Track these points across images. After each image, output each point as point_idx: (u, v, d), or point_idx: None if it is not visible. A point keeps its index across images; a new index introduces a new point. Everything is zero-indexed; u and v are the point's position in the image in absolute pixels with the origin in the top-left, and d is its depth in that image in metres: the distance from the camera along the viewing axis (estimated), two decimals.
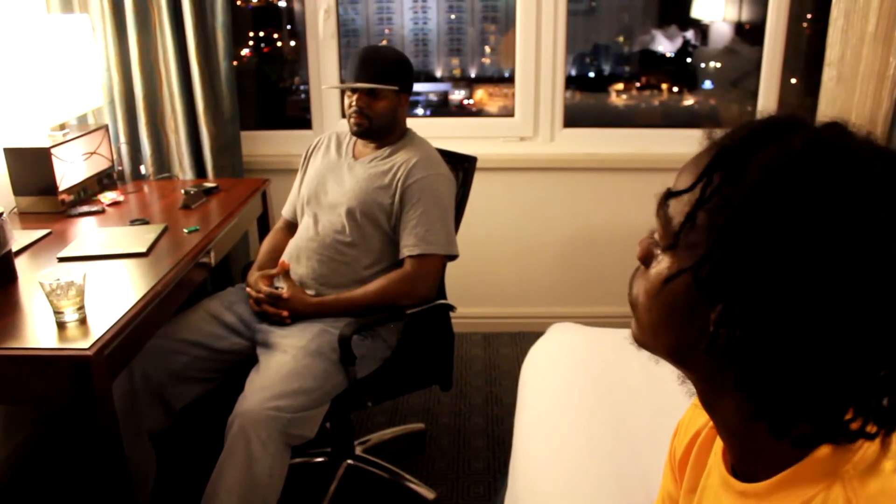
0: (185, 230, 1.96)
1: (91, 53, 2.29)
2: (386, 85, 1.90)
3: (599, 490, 1.35)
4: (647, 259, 0.66)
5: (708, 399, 0.67)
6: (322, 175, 2.02)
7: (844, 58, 2.52)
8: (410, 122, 2.05)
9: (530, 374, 1.83)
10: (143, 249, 1.80)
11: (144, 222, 2.03)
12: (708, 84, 3.21)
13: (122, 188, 2.39)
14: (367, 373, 1.87)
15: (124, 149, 2.60)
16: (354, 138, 2.04)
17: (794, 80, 2.93)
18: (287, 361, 1.72)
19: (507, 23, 3.05)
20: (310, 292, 1.91)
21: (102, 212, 2.15)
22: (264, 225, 2.49)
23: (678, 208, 0.62)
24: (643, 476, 1.33)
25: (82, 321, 1.42)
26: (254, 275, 1.97)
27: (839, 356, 0.55)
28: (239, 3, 3.04)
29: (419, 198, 1.88)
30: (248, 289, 1.95)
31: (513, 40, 2.87)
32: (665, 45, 3.14)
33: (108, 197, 2.23)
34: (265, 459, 1.61)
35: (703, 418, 0.79)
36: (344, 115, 2.06)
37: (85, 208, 2.13)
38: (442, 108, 3.32)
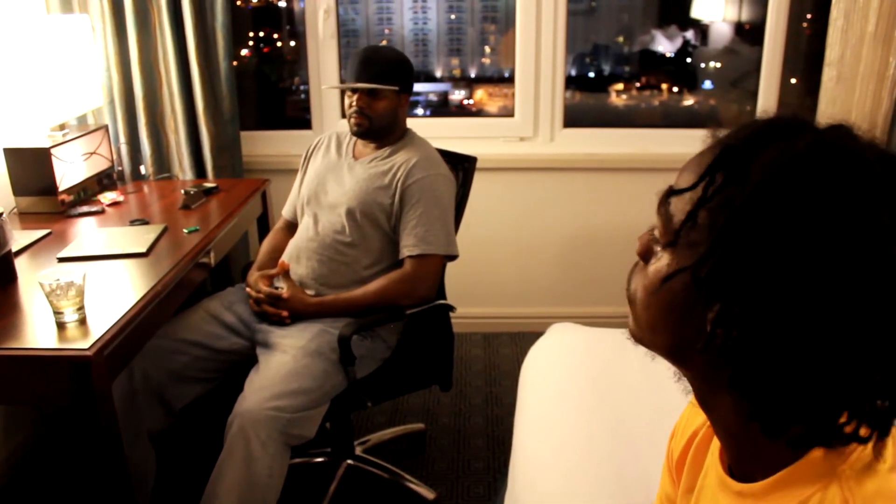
0: (185, 230, 1.96)
1: (91, 54, 2.29)
2: (386, 85, 1.90)
3: (599, 490, 1.35)
4: (646, 255, 0.66)
5: (704, 398, 0.67)
6: (322, 175, 2.02)
7: (844, 58, 2.52)
8: (410, 122, 2.05)
9: (530, 374, 1.83)
10: (143, 249, 1.80)
11: (144, 222, 2.03)
12: (708, 84, 3.21)
13: (122, 188, 2.39)
14: (367, 373, 1.87)
15: (124, 149, 2.60)
16: (354, 138, 2.04)
17: (793, 80, 2.93)
18: (287, 361, 1.72)
19: (506, 23, 3.05)
20: (310, 292, 1.91)
21: (102, 212, 2.15)
22: (264, 225, 2.49)
23: (679, 206, 0.62)
24: (643, 476, 1.33)
25: (82, 321, 1.42)
26: (253, 275, 1.97)
27: (836, 359, 0.55)
28: (239, 3, 3.04)
29: (419, 198, 1.88)
30: (247, 289, 1.95)
31: (513, 40, 2.87)
32: (665, 45, 3.14)
33: (107, 197, 2.23)
34: (265, 459, 1.61)
35: (700, 418, 0.79)
36: (344, 115, 2.07)
37: (85, 208, 2.13)
38: (442, 108, 3.32)
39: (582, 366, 1.78)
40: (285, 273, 1.90)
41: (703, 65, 3.18)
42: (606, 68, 3.23)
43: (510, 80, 2.96)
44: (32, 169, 2.08)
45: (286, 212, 2.16)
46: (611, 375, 1.71)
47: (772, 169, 0.56)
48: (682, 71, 3.19)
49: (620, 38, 3.23)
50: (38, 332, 1.43)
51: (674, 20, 3.11)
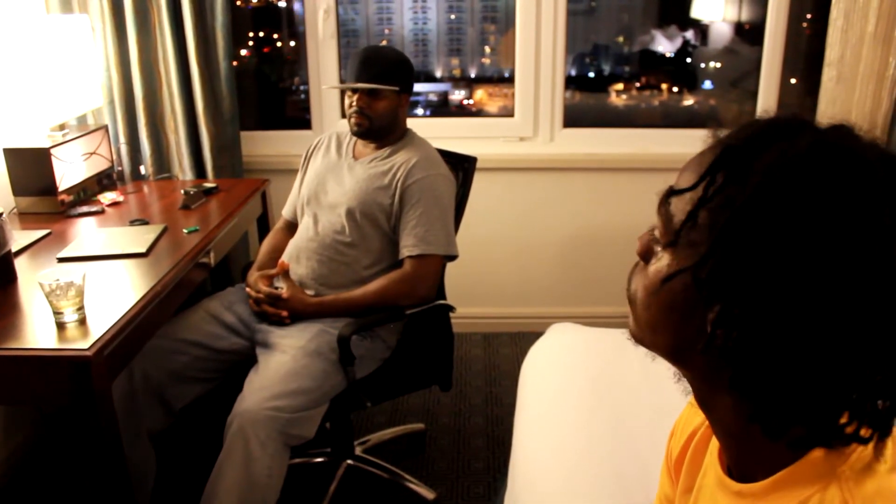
0: (185, 230, 1.96)
1: (90, 54, 2.29)
2: (386, 85, 1.90)
3: (599, 490, 1.35)
4: (646, 255, 0.66)
5: (704, 398, 0.67)
6: (322, 175, 2.02)
7: (844, 58, 2.52)
8: (410, 123, 2.05)
9: (530, 374, 1.83)
10: (143, 250, 1.80)
11: (144, 222, 2.03)
12: (708, 84, 3.21)
13: (122, 188, 2.39)
14: (367, 373, 1.87)
15: (124, 149, 2.60)
16: (354, 138, 2.04)
17: (793, 80, 2.93)
18: (286, 361, 1.72)
19: (506, 23, 3.05)
20: (309, 292, 1.91)
21: (102, 212, 2.15)
22: (264, 225, 2.49)
23: (680, 206, 0.62)
24: (643, 476, 1.33)
25: (82, 321, 1.42)
26: (253, 275, 1.97)
27: (836, 360, 0.55)
28: (239, 3, 3.04)
29: (419, 198, 1.88)
30: (247, 289, 1.95)
31: (512, 40, 2.87)
32: (665, 45, 3.14)
33: (107, 197, 2.23)
34: (264, 459, 1.61)
35: (698, 418, 0.79)
36: (344, 116, 2.07)
37: (84, 209, 2.13)
38: (442, 108, 3.32)
39: (582, 366, 1.78)
40: (285, 273, 1.90)
41: (703, 65, 3.18)
42: (606, 68, 3.23)
43: (510, 80, 2.96)
44: (32, 169, 2.08)
45: (286, 212, 2.16)
46: (611, 375, 1.71)
47: (772, 169, 0.56)
48: (681, 71, 3.19)
49: (620, 38, 3.23)
50: (37, 332, 1.43)
51: (674, 20, 3.11)
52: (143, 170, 2.66)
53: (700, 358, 0.61)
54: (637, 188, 2.84)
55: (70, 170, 2.15)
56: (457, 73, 3.27)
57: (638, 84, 3.28)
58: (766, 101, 2.84)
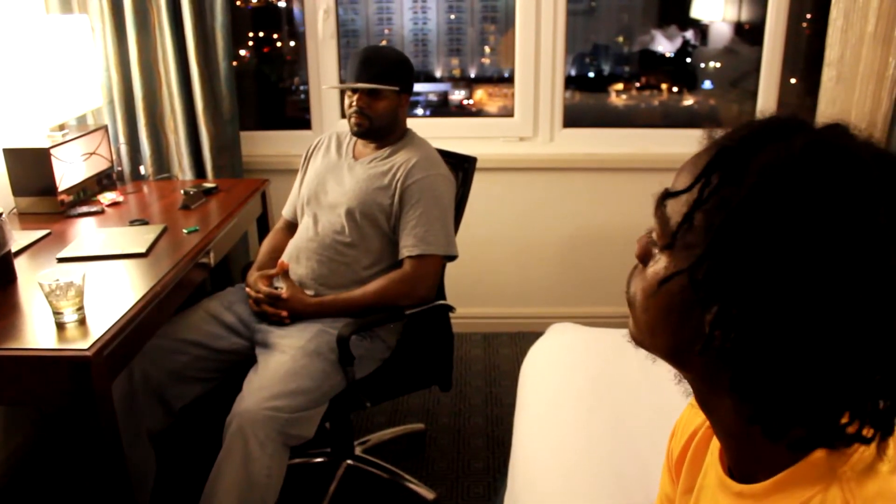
0: (185, 230, 1.96)
1: (90, 54, 2.29)
2: (387, 85, 1.90)
3: (599, 490, 1.35)
4: (645, 257, 0.66)
5: (704, 399, 0.67)
6: (322, 175, 2.02)
7: (844, 58, 2.52)
8: (410, 122, 2.05)
9: (530, 374, 1.83)
10: (143, 250, 1.80)
11: (144, 223, 2.03)
12: (708, 84, 3.21)
13: (122, 188, 2.39)
14: (366, 373, 1.87)
15: (124, 149, 2.60)
16: (355, 138, 2.04)
17: (793, 80, 2.93)
18: (285, 361, 1.72)
19: (506, 23, 3.05)
20: (309, 292, 1.91)
21: (102, 212, 2.15)
22: (264, 225, 2.49)
23: (676, 208, 0.62)
24: (643, 476, 1.33)
25: (82, 322, 1.42)
26: (253, 275, 1.97)
27: (835, 360, 0.55)
28: (238, 3, 3.04)
29: (418, 198, 1.88)
30: (247, 289, 1.95)
31: (512, 40, 2.87)
32: (665, 45, 3.14)
33: (107, 197, 2.23)
34: (263, 459, 1.61)
35: (699, 418, 0.79)
36: (344, 116, 2.07)
37: (84, 209, 2.13)
38: (442, 108, 3.32)
39: (582, 366, 1.78)
40: (285, 273, 1.90)
41: (702, 65, 3.18)
42: (606, 68, 3.23)
43: (510, 80, 2.96)
44: (32, 169, 2.08)
45: (286, 212, 2.16)
46: (611, 375, 1.71)
47: (767, 169, 0.56)
48: (681, 71, 3.19)
49: (620, 38, 3.23)
50: (37, 332, 1.43)
51: (674, 20, 3.11)
52: (142, 170, 2.66)
53: (699, 359, 0.61)
54: (637, 188, 2.82)
55: (70, 170, 2.15)
56: (457, 73, 3.27)
57: (638, 84, 3.28)
58: (766, 101, 2.84)
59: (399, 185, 1.90)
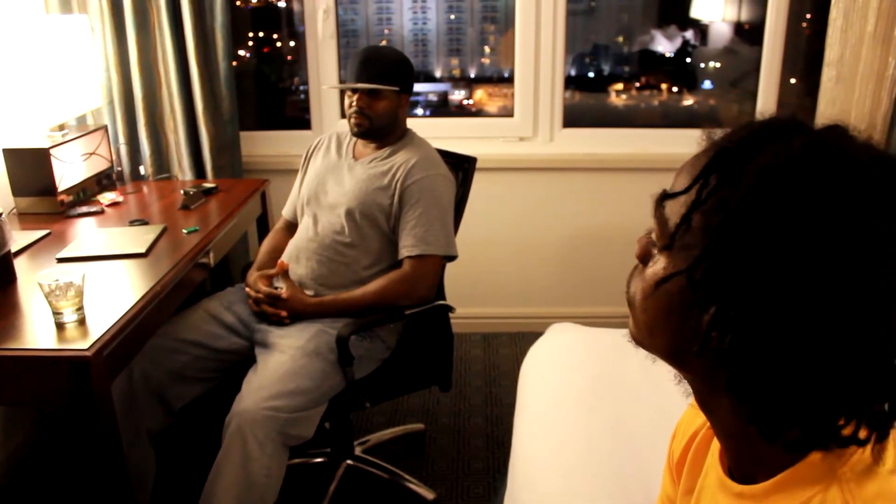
0: (185, 231, 1.96)
1: (90, 54, 2.29)
2: (387, 85, 1.90)
3: (599, 490, 1.35)
4: (644, 258, 0.66)
5: (704, 400, 0.67)
6: (322, 175, 2.02)
7: (844, 58, 2.52)
8: (410, 123, 2.05)
9: (530, 374, 1.83)
10: (143, 250, 1.80)
11: (144, 223, 2.03)
12: (707, 84, 3.21)
13: (122, 189, 2.39)
14: (366, 373, 1.87)
15: (123, 149, 2.60)
16: (355, 139, 2.04)
17: (793, 81, 2.93)
18: (285, 361, 1.72)
19: (506, 23, 3.05)
20: (309, 293, 1.91)
21: (102, 212, 2.15)
22: (263, 225, 2.49)
23: (674, 209, 0.62)
24: (643, 476, 1.33)
25: (81, 322, 1.42)
26: (253, 275, 1.97)
27: (831, 362, 0.55)
28: (238, 3, 3.04)
29: (418, 198, 1.88)
30: (247, 289, 1.95)
31: (512, 40, 2.87)
32: (664, 45, 3.14)
33: (107, 197, 2.23)
34: (262, 459, 1.61)
35: (700, 419, 0.79)
36: (344, 116, 2.07)
37: (84, 209, 2.13)
38: (441, 108, 3.32)
39: (582, 366, 1.78)
40: (284, 273, 1.90)
41: (702, 65, 3.18)
42: (606, 68, 3.23)
43: (510, 81, 2.96)
44: (32, 169, 2.08)
45: (286, 212, 2.16)
46: (611, 375, 1.71)
47: (765, 171, 0.56)
48: (681, 71, 3.19)
49: (620, 38, 3.23)
50: (37, 332, 1.43)
51: (673, 20, 3.11)
52: (142, 170, 2.66)
53: (698, 360, 0.61)
54: (637, 188, 2.83)
55: (69, 170, 2.15)
56: (456, 73, 3.27)
57: (638, 84, 3.28)
58: (766, 101, 2.84)
59: (399, 185, 1.90)
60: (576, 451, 1.47)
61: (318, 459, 2.18)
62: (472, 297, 2.97)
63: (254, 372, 1.74)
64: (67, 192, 2.14)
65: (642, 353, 0.70)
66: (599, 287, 3.04)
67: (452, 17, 3.15)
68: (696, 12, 3.10)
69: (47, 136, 2.15)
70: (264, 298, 1.89)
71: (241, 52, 3.12)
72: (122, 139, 2.60)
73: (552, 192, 2.96)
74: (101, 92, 2.50)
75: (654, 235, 0.65)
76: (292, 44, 3.13)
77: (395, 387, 1.98)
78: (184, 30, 2.52)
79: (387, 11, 3.10)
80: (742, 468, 0.66)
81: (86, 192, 2.23)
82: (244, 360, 1.84)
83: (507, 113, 3.01)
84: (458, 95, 3.30)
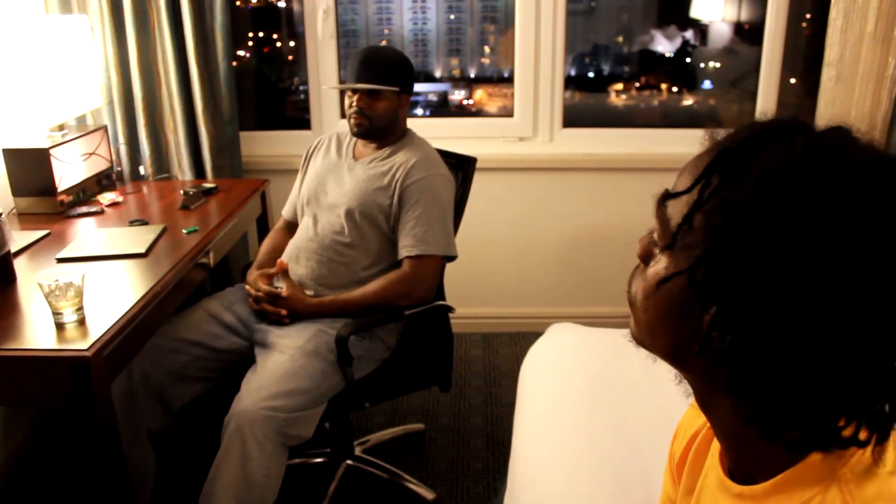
0: (184, 231, 1.96)
1: (90, 54, 2.29)
2: (387, 86, 1.90)
3: (599, 490, 1.35)
4: (646, 257, 0.66)
5: (704, 400, 0.67)
6: (322, 176, 2.02)
7: (843, 58, 2.52)
8: (410, 123, 2.05)
9: (530, 374, 1.83)
10: (142, 250, 1.80)
11: (143, 223, 2.03)
12: (707, 84, 3.21)
13: (121, 189, 2.39)
14: (365, 373, 1.87)
15: (123, 149, 2.60)
16: (355, 139, 2.04)
17: (793, 80, 2.93)
18: (284, 361, 1.72)
19: (506, 23, 3.05)
20: (309, 293, 1.91)
21: (101, 212, 2.14)
22: (263, 225, 2.49)
23: (676, 209, 0.62)
24: (643, 476, 1.33)
25: (81, 322, 1.42)
26: (253, 274, 1.97)
27: (831, 363, 0.55)
28: (238, 3, 3.03)
29: (418, 198, 1.88)
30: (247, 287, 1.95)
31: (512, 40, 2.87)
32: (664, 45, 3.14)
33: (107, 197, 2.23)
34: (261, 459, 1.61)
35: (700, 420, 0.79)
36: (344, 116, 2.07)
37: (84, 209, 2.13)
38: (441, 108, 3.32)
39: (582, 366, 1.78)
40: (284, 272, 1.90)
41: (702, 65, 3.18)
42: (606, 68, 3.23)
43: (509, 81, 2.96)
44: (31, 169, 2.08)
45: (286, 212, 2.16)
46: (611, 375, 1.71)
47: (767, 171, 0.56)
48: (681, 71, 3.19)
49: (620, 38, 3.23)
50: (37, 332, 1.43)
51: (673, 20, 3.11)
52: (142, 170, 2.66)
53: (699, 360, 0.61)
54: (637, 188, 2.84)
55: (69, 170, 2.15)
56: (456, 73, 3.27)
57: (637, 84, 3.28)
58: (766, 101, 2.84)
59: (398, 185, 1.90)
60: (576, 451, 1.47)
61: (318, 459, 2.18)
62: (472, 297, 2.97)
63: (253, 372, 1.74)
64: (67, 192, 2.14)
65: (642, 353, 0.70)
66: (599, 287, 3.04)
67: (452, 17, 3.15)
68: (695, 12, 3.10)
69: (47, 136, 2.15)
70: (264, 297, 1.89)
71: (241, 52, 3.12)
72: (121, 139, 2.60)
73: (552, 192, 2.96)
74: (101, 92, 2.50)
75: (655, 235, 0.66)
76: (292, 44, 3.13)
77: (394, 387, 1.98)
78: (183, 30, 2.52)
79: (387, 11, 3.10)
80: (742, 469, 0.66)
81: (86, 193, 2.23)
82: (244, 360, 1.84)
83: (507, 113, 3.01)
84: (458, 95, 3.30)
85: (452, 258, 1.96)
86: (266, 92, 3.28)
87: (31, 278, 1.63)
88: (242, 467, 1.60)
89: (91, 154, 2.27)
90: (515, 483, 1.47)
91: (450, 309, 1.97)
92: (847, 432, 0.57)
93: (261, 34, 3.16)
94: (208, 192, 2.30)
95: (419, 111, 3.26)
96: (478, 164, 2.09)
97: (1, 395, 1.49)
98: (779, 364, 0.56)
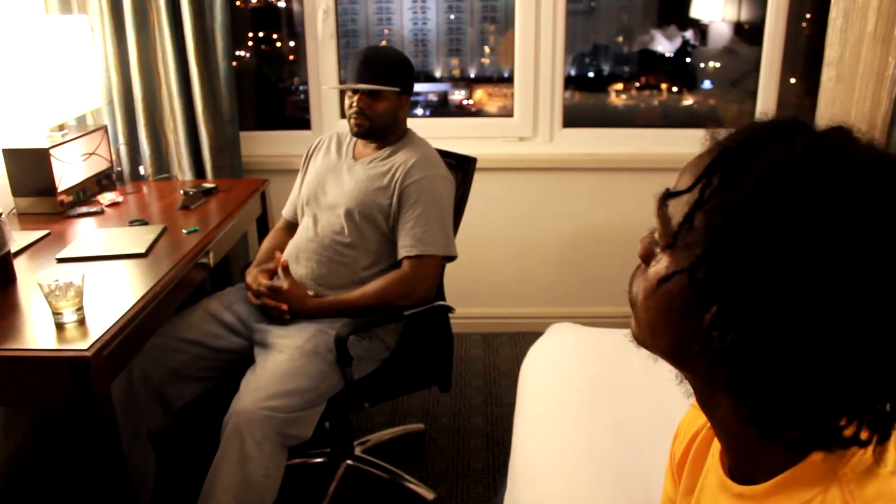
0: (184, 231, 1.96)
1: (90, 54, 2.29)
2: (387, 86, 1.90)
3: (599, 490, 1.35)
4: (647, 257, 0.66)
5: (705, 400, 0.67)
6: (322, 176, 2.02)
7: (843, 58, 2.52)
8: (410, 123, 2.05)
9: (530, 374, 1.83)
10: (142, 250, 1.80)
11: (143, 223, 2.03)
12: (707, 84, 3.21)
13: (121, 189, 2.38)
14: (365, 374, 1.87)
15: (123, 149, 2.60)
16: (355, 139, 2.04)
17: (793, 80, 2.93)
18: (283, 361, 1.72)
19: (506, 23, 3.05)
20: (308, 293, 1.91)
21: (101, 212, 2.14)
22: (263, 225, 2.49)
23: (677, 208, 0.62)
24: (643, 476, 1.33)
25: (81, 322, 1.42)
26: (253, 271, 1.97)
27: (832, 363, 0.55)
28: (238, 3, 3.03)
29: (417, 198, 1.88)
30: (247, 280, 1.95)
31: (512, 40, 2.87)
32: (664, 45, 3.14)
33: (107, 198, 2.23)
34: (260, 459, 1.61)
35: (701, 420, 0.79)
36: (344, 116, 2.06)
37: (84, 209, 2.13)
38: (441, 108, 3.32)
39: (582, 366, 1.78)
40: (285, 269, 1.90)
41: (702, 65, 3.18)
42: (606, 68, 3.23)
43: (509, 81, 2.96)
44: (31, 169, 2.08)
45: (286, 212, 2.16)
46: (611, 375, 1.71)
47: (768, 171, 0.56)
48: (681, 71, 3.19)
49: (620, 38, 3.23)
50: (37, 332, 1.43)
51: (673, 20, 3.11)
52: (142, 170, 2.66)
53: (699, 359, 0.61)
54: (637, 188, 2.84)
55: (69, 170, 2.15)
56: (456, 73, 3.27)
57: (637, 84, 3.28)
58: (766, 101, 2.84)
59: (398, 185, 1.90)
60: (576, 451, 1.47)
61: (318, 459, 2.18)
62: (472, 297, 2.97)
63: (252, 372, 1.74)
64: (67, 192, 2.14)
65: (643, 353, 0.70)
66: (599, 287, 3.04)
67: (452, 17, 3.15)
68: (695, 12, 3.10)
69: (47, 136, 2.15)
70: (265, 291, 1.88)
71: (241, 52, 3.12)
72: (121, 139, 2.60)
73: (552, 192, 2.96)
74: (101, 92, 2.50)
75: (656, 235, 0.66)
76: (292, 44, 3.13)
77: (394, 387, 1.98)
78: (183, 30, 2.52)
79: (387, 11, 3.10)
80: (742, 468, 0.66)
81: (86, 193, 2.23)
82: (244, 360, 1.84)
83: (507, 113, 3.01)
84: (458, 95, 3.30)
85: (452, 258, 1.96)
86: (266, 92, 3.28)
87: (31, 278, 1.63)
88: (241, 467, 1.60)
89: (91, 154, 2.27)
90: (515, 483, 1.47)
91: (450, 309, 1.97)
92: (848, 432, 0.57)
93: (261, 34, 3.16)
94: (208, 192, 2.30)
95: (419, 111, 3.26)
96: (478, 164, 2.09)
97: (1, 395, 1.49)
98: (779, 364, 0.56)
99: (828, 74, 2.57)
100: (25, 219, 2.07)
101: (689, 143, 0.66)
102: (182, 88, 2.58)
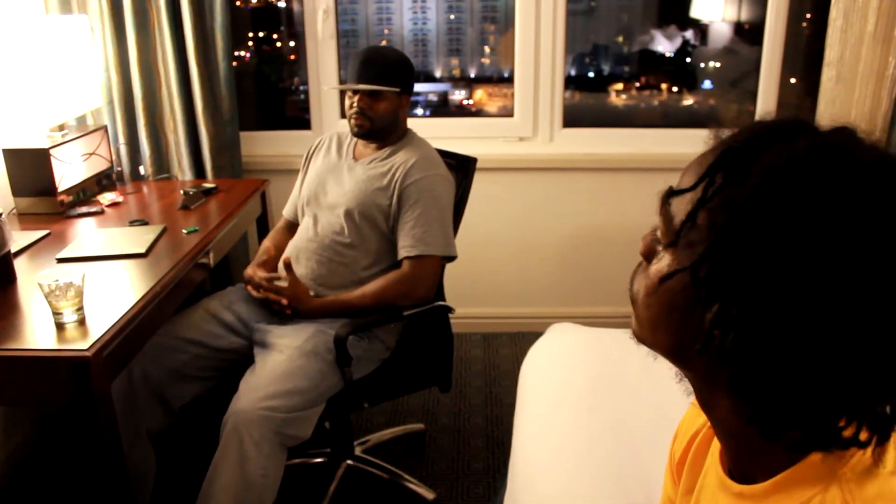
0: (185, 231, 1.96)
1: (90, 54, 2.29)
2: (387, 86, 1.90)
3: (599, 490, 1.35)
4: (649, 255, 0.66)
5: (705, 399, 0.67)
6: (322, 176, 2.02)
7: (844, 58, 2.52)
8: (410, 123, 2.05)
9: (530, 374, 1.83)
10: (142, 250, 1.80)
11: (143, 223, 2.03)
12: (707, 84, 3.21)
13: (122, 189, 2.39)
14: (365, 374, 1.87)
15: (123, 149, 2.60)
16: (355, 139, 2.04)
17: (793, 80, 2.93)
18: (282, 361, 1.72)
19: (506, 23, 3.05)
20: (309, 292, 1.91)
21: (101, 212, 2.14)
22: (263, 225, 2.49)
23: (680, 206, 0.62)
24: (643, 476, 1.33)
25: (81, 322, 1.42)
26: (252, 268, 1.97)
27: (833, 363, 0.55)
28: (238, 3, 3.03)
29: (417, 199, 1.88)
30: (247, 273, 1.95)
31: (512, 40, 2.87)
32: (664, 45, 3.14)
33: (107, 198, 2.23)
34: (259, 459, 1.61)
35: (701, 419, 0.79)
36: (344, 116, 2.07)
37: (84, 209, 2.13)
38: (441, 108, 3.32)
39: (582, 366, 1.78)
40: (287, 267, 1.89)
41: (702, 65, 3.18)
42: (606, 68, 3.23)
43: (510, 81, 2.96)
44: (32, 169, 2.08)
45: (287, 212, 2.16)
46: (611, 375, 1.71)
47: (771, 171, 0.56)
48: (681, 71, 3.19)
49: (620, 38, 3.23)
50: (37, 332, 1.43)
51: (673, 20, 3.11)
52: (142, 170, 2.66)
53: (700, 358, 0.61)
54: (637, 188, 2.84)
55: (69, 170, 2.15)
56: (456, 73, 3.27)
57: (637, 84, 3.28)
58: (766, 101, 2.84)
59: (398, 185, 1.90)
60: (576, 451, 1.47)
61: (318, 459, 2.18)
62: (472, 297, 2.97)
63: (251, 372, 1.74)
64: (67, 192, 2.14)
65: (643, 353, 0.70)
66: (599, 287, 3.04)
67: (452, 17, 3.15)
68: (696, 12, 3.10)
69: (47, 137, 2.15)
70: (266, 284, 1.88)
71: (241, 52, 3.12)
72: (121, 139, 2.60)
73: (552, 192, 2.96)
74: (101, 92, 2.50)
75: (658, 232, 0.66)
76: (292, 44, 3.13)
77: (394, 387, 1.98)
78: (183, 30, 2.52)
79: (387, 11, 3.10)
80: (742, 468, 0.66)
81: (86, 193, 2.23)
82: (244, 360, 1.83)
83: (507, 113, 3.01)
84: (458, 95, 3.30)
85: (452, 258, 1.96)
86: (266, 92, 3.28)
87: (31, 278, 1.63)
88: (240, 467, 1.60)
89: (91, 154, 2.27)
90: (515, 483, 1.47)
91: (449, 309, 1.97)
92: (848, 433, 0.57)
93: (261, 34, 3.16)
94: (208, 192, 2.30)
95: (419, 111, 3.26)
96: (478, 164, 2.09)
97: (1, 395, 1.49)
98: (780, 363, 0.56)
99: (828, 74, 2.57)
100: (25, 219, 2.07)
101: (690, 143, 0.66)
102: (182, 88, 2.58)
